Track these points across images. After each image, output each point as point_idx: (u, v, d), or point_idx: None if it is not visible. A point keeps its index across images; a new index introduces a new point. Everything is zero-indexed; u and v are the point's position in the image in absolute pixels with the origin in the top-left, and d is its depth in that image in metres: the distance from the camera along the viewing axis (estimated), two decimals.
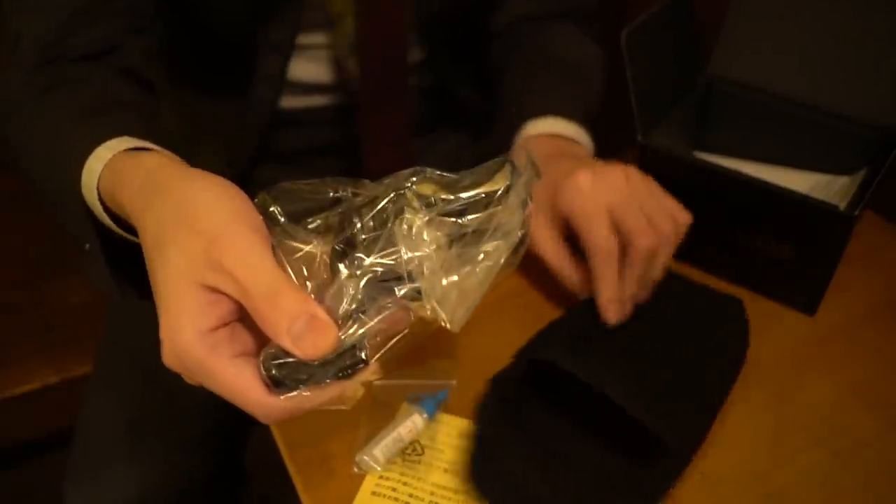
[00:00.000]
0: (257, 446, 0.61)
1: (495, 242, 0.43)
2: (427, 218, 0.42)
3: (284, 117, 0.76)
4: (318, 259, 0.42)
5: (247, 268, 0.37)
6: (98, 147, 0.48)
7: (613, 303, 0.57)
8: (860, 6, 0.70)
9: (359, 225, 0.42)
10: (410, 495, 0.52)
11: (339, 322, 0.40)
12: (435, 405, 0.57)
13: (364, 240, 0.42)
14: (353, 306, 0.40)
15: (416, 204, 0.42)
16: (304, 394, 0.39)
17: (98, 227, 0.51)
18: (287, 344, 0.37)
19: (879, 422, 0.57)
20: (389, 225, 0.42)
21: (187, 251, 0.38)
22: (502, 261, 0.44)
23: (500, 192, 0.43)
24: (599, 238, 0.57)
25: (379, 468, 0.53)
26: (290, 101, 0.76)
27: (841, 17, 0.71)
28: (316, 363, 0.39)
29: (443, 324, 0.42)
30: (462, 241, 0.42)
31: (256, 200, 0.42)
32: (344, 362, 0.40)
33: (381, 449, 0.53)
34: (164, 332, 0.39)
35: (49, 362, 1.13)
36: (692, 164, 0.70)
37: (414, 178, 0.43)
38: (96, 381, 0.79)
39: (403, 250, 0.41)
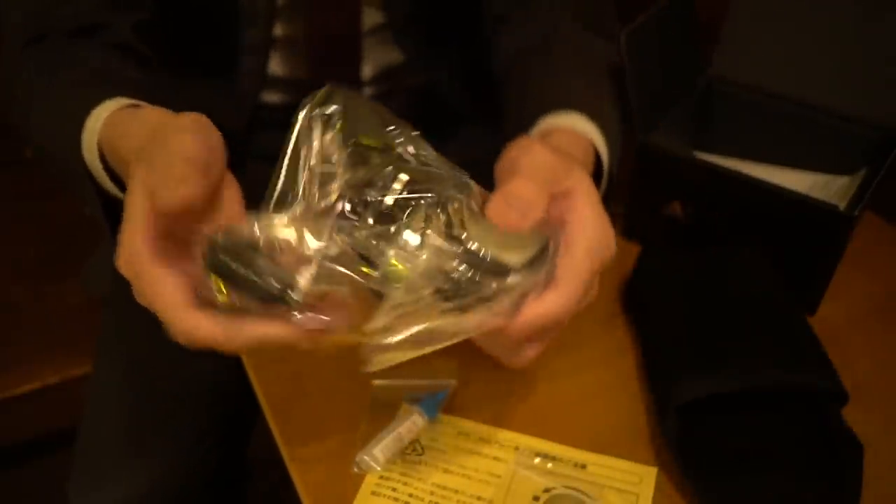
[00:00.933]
0: (261, 443, 0.61)
1: (476, 317, 0.41)
2: (436, 246, 0.41)
3: (265, 115, 0.77)
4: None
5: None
6: (95, 108, 0.51)
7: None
8: (860, 6, 0.70)
9: (386, 195, 0.41)
10: (410, 495, 0.52)
11: (306, 254, 0.40)
12: (435, 405, 0.57)
13: (382, 206, 0.41)
14: (327, 250, 0.40)
15: (440, 225, 0.41)
16: (228, 319, 0.40)
17: (101, 189, 0.54)
18: None
19: (879, 422, 0.57)
20: (405, 219, 0.41)
21: (149, 166, 0.41)
22: (460, 338, 0.42)
23: (512, 271, 0.42)
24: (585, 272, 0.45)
25: (379, 468, 0.53)
26: (269, 97, 0.77)
27: (841, 18, 0.71)
28: (250, 271, 0.39)
29: (366, 344, 0.41)
30: (449, 291, 0.41)
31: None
32: (273, 289, 0.40)
33: (381, 449, 0.53)
34: (121, 240, 0.41)
35: (49, 362, 1.13)
36: (692, 164, 0.70)
37: (460, 196, 0.42)
38: (96, 380, 0.80)
39: (392, 254, 0.40)
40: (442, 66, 0.81)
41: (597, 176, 0.58)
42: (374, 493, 0.52)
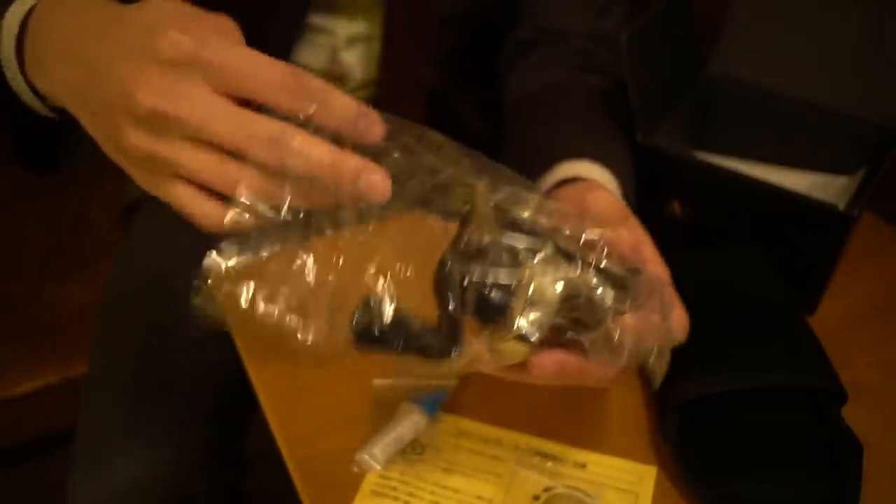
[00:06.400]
0: (261, 443, 0.62)
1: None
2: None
3: None
4: None
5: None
6: None
7: None
8: (860, 6, 0.70)
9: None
10: (410, 494, 0.52)
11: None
12: (435, 405, 0.57)
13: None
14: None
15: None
16: None
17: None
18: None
19: (879, 422, 0.57)
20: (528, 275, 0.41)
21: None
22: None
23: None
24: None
25: (379, 467, 0.53)
26: None
27: (841, 17, 0.71)
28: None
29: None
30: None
31: None
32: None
33: (381, 448, 0.54)
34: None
35: (49, 362, 1.13)
36: (692, 164, 0.70)
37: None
38: (93, 371, 0.80)
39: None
40: (466, 94, 0.81)
41: None
42: (374, 492, 0.52)
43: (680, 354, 0.58)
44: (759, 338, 0.58)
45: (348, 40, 0.74)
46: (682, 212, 0.70)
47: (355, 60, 0.75)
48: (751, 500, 0.52)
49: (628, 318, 0.44)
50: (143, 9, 0.42)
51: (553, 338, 0.42)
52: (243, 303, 0.40)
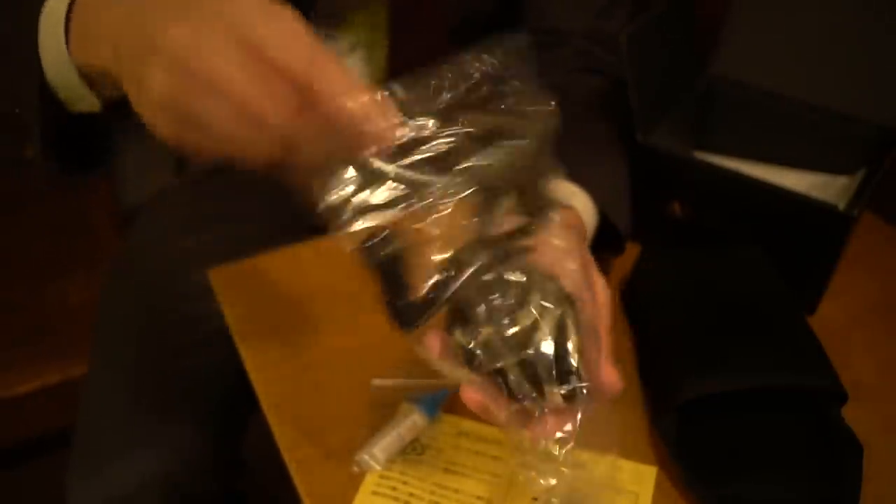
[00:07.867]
0: (261, 443, 0.62)
1: None
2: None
3: None
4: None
5: None
6: None
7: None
8: (860, 6, 0.70)
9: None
10: (411, 494, 0.52)
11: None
12: (435, 405, 0.57)
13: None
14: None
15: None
16: None
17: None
18: None
19: (879, 422, 0.57)
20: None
21: None
22: None
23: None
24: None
25: (379, 467, 0.53)
26: None
27: (841, 18, 0.71)
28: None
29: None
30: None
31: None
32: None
33: (381, 448, 0.54)
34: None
35: (49, 362, 1.13)
36: (692, 164, 0.70)
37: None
38: (92, 370, 0.80)
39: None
40: None
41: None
42: (374, 492, 0.52)
43: (680, 354, 0.58)
44: (759, 338, 0.58)
45: (351, 46, 0.74)
46: (682, 212, 0.70)
47: (358, 66, 0.75)
48: (751, 500, 0.52)
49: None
50: None
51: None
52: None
